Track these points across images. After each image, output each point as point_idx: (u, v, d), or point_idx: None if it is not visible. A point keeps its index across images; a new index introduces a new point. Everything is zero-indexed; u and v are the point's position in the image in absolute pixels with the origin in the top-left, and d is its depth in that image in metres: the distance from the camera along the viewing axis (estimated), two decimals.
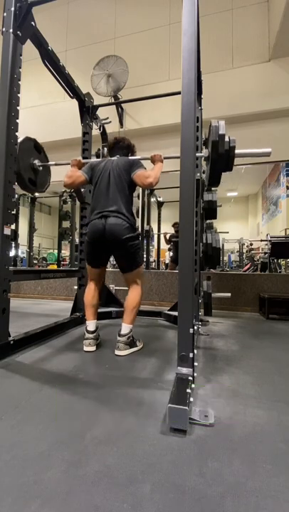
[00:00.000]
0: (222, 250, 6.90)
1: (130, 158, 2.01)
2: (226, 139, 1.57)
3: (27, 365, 1.56)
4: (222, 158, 1.57)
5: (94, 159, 2.13)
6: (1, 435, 0.91)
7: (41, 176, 2.31)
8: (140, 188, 4.79)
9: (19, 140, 1.99)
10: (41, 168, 2.25)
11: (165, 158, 1.97)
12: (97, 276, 2.00)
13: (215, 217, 2.55)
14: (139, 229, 4.72)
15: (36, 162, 2.21)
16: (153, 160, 1.98)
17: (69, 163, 2.13)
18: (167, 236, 6.04)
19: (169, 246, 6.34)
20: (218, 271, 4.73)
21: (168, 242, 6.05)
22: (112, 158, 1.99)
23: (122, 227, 1.78)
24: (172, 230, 6.05)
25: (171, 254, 6.27)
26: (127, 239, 1.78)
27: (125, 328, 1.83)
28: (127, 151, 2.09)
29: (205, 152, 1.72)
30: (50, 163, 2.31)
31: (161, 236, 6.19)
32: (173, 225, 6.00)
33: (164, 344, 2.07)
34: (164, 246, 6.57)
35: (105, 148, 3.48)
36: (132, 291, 1.92)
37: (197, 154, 1.57)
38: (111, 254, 1.95)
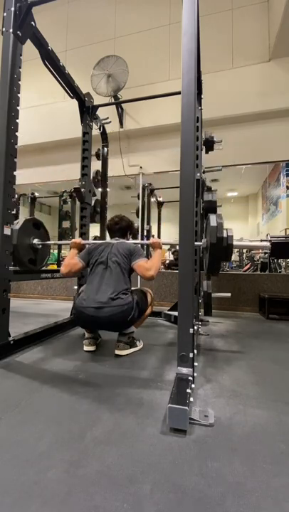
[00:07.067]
0: None
1: (130, 244, 1.96)
2: (224, 234, 1.59)
3: (27, 365, 1.56)
4: (221, 252, 1.62)
5: (93, 242, 2.11)
6: (1, 435, 0.91)
7: (41, 253, 2.33)
8: (140, 188, 4.81)
9: (19, 225, 2.03)
10: (41, 246, 2.27)
11: (164, 243, 2.02)
12: None
13: None
14: (139, 229, 4.73)
15: (36, 242, 2.22)
16: (152, 246, 2.00)
17: (68, 244, 2.16)
18: (166, 263, 6.15)
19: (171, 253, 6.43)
20: None
21: (167, 268, 6.17)
22: (111, 242, 1.98)
23: (124, 312, 1.69)
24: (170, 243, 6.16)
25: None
26: (132, 317, 1.74)
27: (130, 327, 1.83)
28: (126, 231, 2.10)
29: (204, 243, 1.74)
30: (49, 242, 2.36)
31: (162, 235, 6.21)
32: (172, 253, 6.07)
33: (164, 344, 2.07)
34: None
35: (105, 148, 3.49)
36: None
37: (196, 244, 1.60)
38: None
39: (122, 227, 2.07)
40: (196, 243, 1.58)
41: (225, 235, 1.58)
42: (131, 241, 2.07)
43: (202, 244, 1.77)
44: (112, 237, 2.09)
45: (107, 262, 1.85)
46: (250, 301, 3.66)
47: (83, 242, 2.13)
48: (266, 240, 5.00)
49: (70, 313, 2.68)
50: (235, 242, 1.62)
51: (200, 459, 0.81)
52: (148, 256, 2.35)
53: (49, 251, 2.46)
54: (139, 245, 2.00)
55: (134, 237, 2.32)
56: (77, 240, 2.13)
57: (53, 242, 2.32)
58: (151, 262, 1.85)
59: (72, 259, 1.96)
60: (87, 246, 2.06)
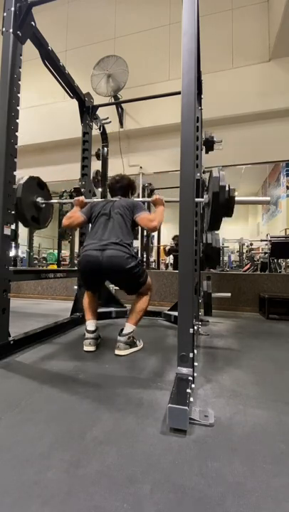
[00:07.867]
0: (222, 250, 6.93)
1: (133, 200, 2.00)
2: (226, 188, 1.61)
3: (27, 365, 1.56)
4: (222, 206, 1.63)
5: (95, 200, 2.14)
6: (1, 435, 0.91)
7: (44, 212, 2.34)
8: (140, 187, 4.82)
9: (23, 180, 2.05)
10: (44, 205, 2.28)
11: (166, 201, 2.01)
12: (95, 292, 2.02)
13: None
14: (139, 229, 4.72)
15: (39, 200, 2.23)
16: (154, 203, 2.01)
17: (71, 202, 2.19)
18: (166, 248, 6.11)
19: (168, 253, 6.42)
20: (218, 271, 4.73)
21: (167, 254, 6.13)
22: (113, 199, 2.00)
23: (123, 258, 1.71)
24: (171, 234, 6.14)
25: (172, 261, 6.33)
26: (130, 268, 1.73)
27: (129, 327, 1.83)
28: (127, 190, 2.11)
29: (205, 198, 1.75)
30: (52, 201, 2.37)
31: (162, 235, 6.22)
32: (173, 238, 6.04)
33: (164, 344, 2.07)
34: (165, 242, 6.62)
35: (105, 148, 3.49)
36: (141, 298, 1.92)
37: (197, 200, 1.61)
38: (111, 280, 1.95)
39: (123, 186, 2.08)
40: (197, 199, 1.58)
41: (227, 187, 1.60)
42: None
43: (204, 200, 1.77)
44: (113, 196, 2.10)
45: (110, 213, 1.87)
46: (250, 301, 3.66)
47: (86, 200, 2.15)
48: (266, 240, 5.01)
49: (70, 313, 2.68)
50: (237, 198, 1.65)
51: (200, 459, 0.81)
52: None
53: (52, 212, 2.46)
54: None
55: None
56: (81, 198, 2.16)
57: (56, 200, 2.33)
58: (155, 214, 1.90)
59: (74, 213, 2.00)
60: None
